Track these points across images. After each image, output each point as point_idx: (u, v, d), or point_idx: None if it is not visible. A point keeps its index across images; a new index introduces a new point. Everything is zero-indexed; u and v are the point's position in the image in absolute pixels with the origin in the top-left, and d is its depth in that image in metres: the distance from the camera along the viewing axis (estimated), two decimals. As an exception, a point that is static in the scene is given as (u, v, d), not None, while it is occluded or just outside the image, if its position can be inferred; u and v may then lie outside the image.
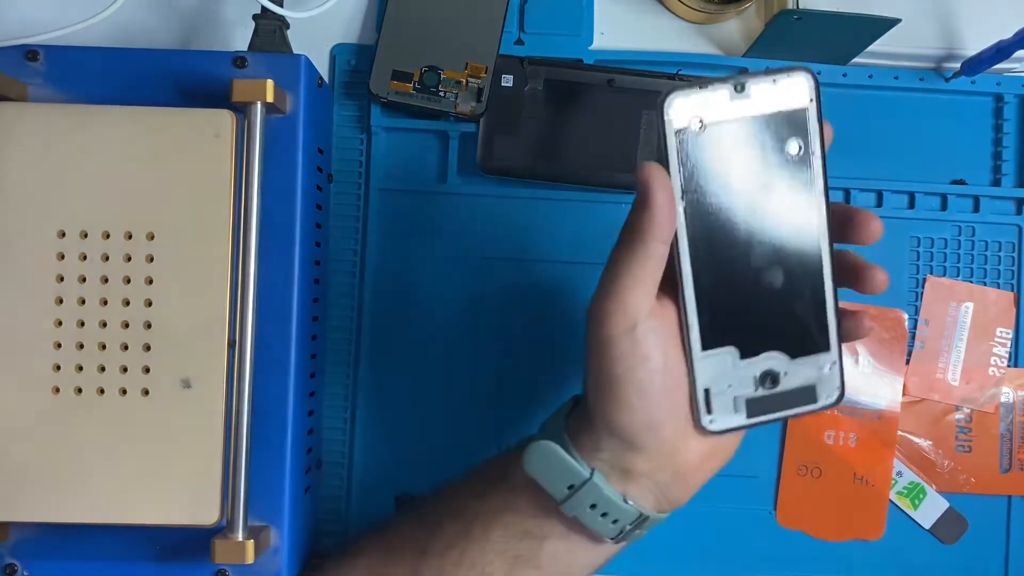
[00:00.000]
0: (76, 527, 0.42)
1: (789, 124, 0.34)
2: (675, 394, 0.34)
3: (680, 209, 0.33)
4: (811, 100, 0.34)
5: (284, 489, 0.42)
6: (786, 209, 0.34)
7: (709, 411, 0.35)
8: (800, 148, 0.34)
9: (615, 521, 0.35)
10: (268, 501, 0.42)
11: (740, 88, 0.33)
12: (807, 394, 0.36)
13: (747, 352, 0.35)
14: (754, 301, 0.35)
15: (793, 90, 0.33)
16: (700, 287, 0.34)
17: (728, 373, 0.35)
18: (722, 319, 0.35)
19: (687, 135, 0.33)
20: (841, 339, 0.35)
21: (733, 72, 0.33)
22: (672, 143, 0.33)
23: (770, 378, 0.35)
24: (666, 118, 0.33)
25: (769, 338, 0.35)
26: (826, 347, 0.35)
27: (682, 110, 0.33)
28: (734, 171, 0.34)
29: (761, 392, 0.35)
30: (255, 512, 0.42)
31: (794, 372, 0.35)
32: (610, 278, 0.34)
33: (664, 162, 0.33)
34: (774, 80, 0.33)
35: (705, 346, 0.35)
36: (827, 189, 0.34)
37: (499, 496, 0.38)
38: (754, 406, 0.35)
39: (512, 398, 0.51)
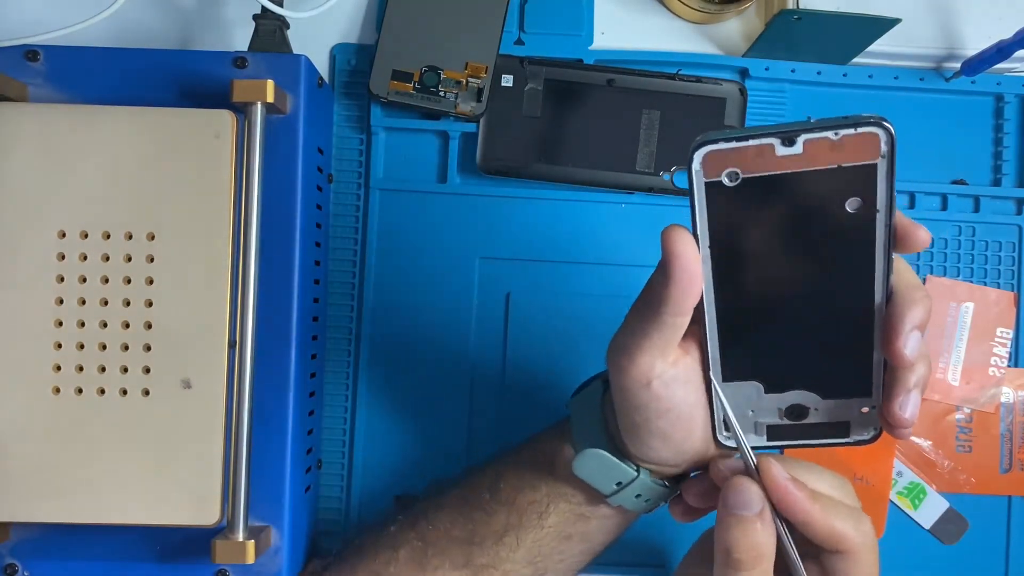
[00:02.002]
0: (76, 527, 0.42)
1: (850, 179, 0.29)
2: (701, 431, 0.35)
3: (707, 261, 0.30)
4: (883, 156, 0.29)
5: (284, 489, 0.42)
6: (837, 266, 0.30)
7: (727, 430, 0.34)
8: (860, 204, 0.29)
9: (650, 501, 0.38)
10: (268, 501, 0.42)
11: (789, 142, 0.28)
12: (838, 429, 0.34)
13: (773, 388, 0.33)
14: (786, 347, 0.32)
15: (859, 144, 0.28)
16: (726, 331, 0.32)
17: (751, 402, 0.33)
18: (748, 359, 0.33)
19: (720, 187, 0.29)
20: (883, 386, 0.32)
21: (732, 131, 0.29)
22: (700, 195, 0.29)
23: (796, 412, 0.33)
24: (695, 168, 0.29)
25: (799, 380, 0.33)
26: (866, 393, 0.33)
27: (714, 162, 0.29)
28: (776, 224, 0.30)
29: (786, 421, 0.34)
30: (255, 512, 0.42)
31: (826, 409, 0.33)
32: (626, 335, 0.33)
33: (692, 209, 0.30)
34: (835, 133, 0.28)
35: (727, 378, 0.33)
36: (890, 249, 0.30)
37: (550, 487, 0.40)
38: (776, 432, 0.34)
39: (512, 398, 0.50)
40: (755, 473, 0.32)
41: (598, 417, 0.38)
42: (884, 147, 0.29)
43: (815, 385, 0.33)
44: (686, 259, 0.30)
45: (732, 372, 0.33)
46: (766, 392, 0.33)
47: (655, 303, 0.31)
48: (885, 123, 0.28)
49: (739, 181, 0.29)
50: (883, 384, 0.32)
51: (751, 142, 0.28)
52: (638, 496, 0.38)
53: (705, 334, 0.32)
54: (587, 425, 0.39)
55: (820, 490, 0.33)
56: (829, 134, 0.28)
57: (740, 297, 0.31)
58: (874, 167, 0.29)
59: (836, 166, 0.29)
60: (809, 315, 0.31)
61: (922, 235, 0.31)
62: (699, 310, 0.32)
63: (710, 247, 0.30)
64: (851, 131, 0.28)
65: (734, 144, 0.28)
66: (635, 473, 0.37)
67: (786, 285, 0.31)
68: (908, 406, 0.31)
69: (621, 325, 0.34)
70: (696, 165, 0.29)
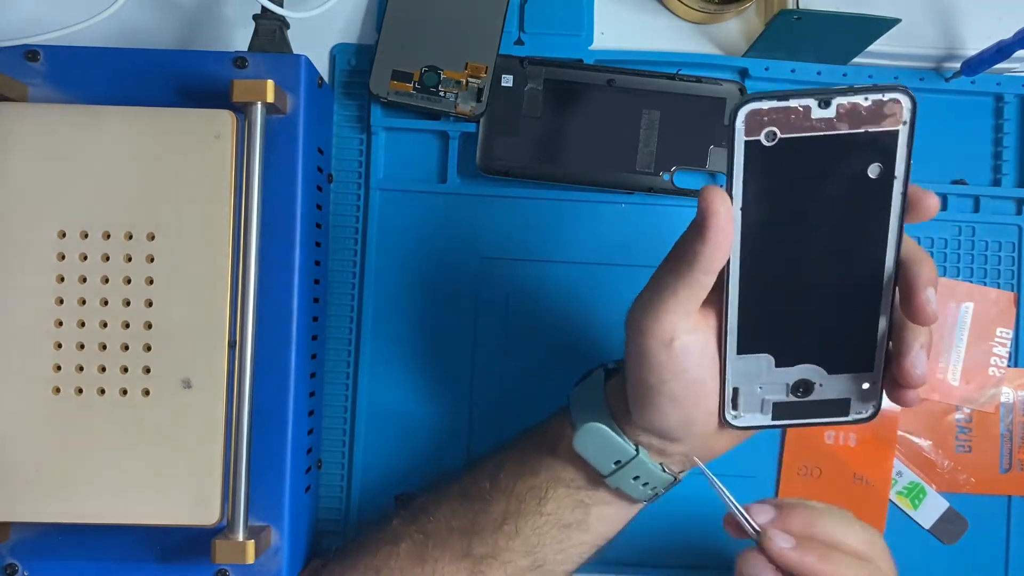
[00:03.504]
0: (76, 527, 0.42)
1: (873, 145, 0.31)
2: (710, 398, 0.35)
3: (736, 223, 0.32)
4: (904, 123, 0.31)
5: (284, 489, 0.42)
6: (853, 233, 0.32)
7: (735, 407, 0.35)
8: (881, 171, 0.31)
9: (651, 487, 0.39)
10: (268, 501, 0.42)
11: (824, 104, 0.31)
12: (839, 406, 0.35)
13: (783, 361, 0.35)
14: (799, 317, 0.34)
15: (885, 110, 0.31)
16: (745, 297, 0.34)
17: (760, 376, 0.35)
18: (763, 329, 0.34)
19: (758, 146, 0.31)
20: (885, 362, 0.34)
21: (772, 92, 0.31)
22: (739, 152, 0.31)
23: (803, 387, 0.35)
24: (737, 126, 0.31)
25: (808, 352, 0.34)
26: (868, 368, 0.35)
27: (756, 120, 0.31)
28: (803, 188, 0.32)
29: (792, 399, 0.35)
30: (255, 512, 0.42)
31: (829, 385, 0.35)
32: (653, 293, 0.34)
33: (729, 168, 0.32)
34: (865, 98, 0.31)
35: (740, 351, 0.34)
36: (903, 217, 0.32)
37: (549, 472, 0.40)
38: (781, 410, 0.35)
39: (512, 397, 0.51)
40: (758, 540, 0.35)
41: (600, 397, 0.39)
42: (907, 114, 0.31)
43: (822, 358, 0.34)
44: (722, 217, 0.31)
45: (746, 344, 0.34)
46: (776, 366, 0.35)
47: (687, 260, 0.32)
48: (909, 91, 0.30)
49: (775, 141, 0.31)
50: (885, 357, 0.34)
51: (791, 102, 0.31)
52: (636, 478, 0.38)
53: (725, 303, 0.34)
54: (588, 405, 0.39)
55: (845, 543, 0.35)
56: (860, 98, 0.31)
57: (762, 263, 0.33)
58: (896, 134, 0.31)
59: (863, 130, 0.31)
60: (824, 283, 0.33)
61: (931, 201, 0.32)
62: (721, 277, 0.33)
63: (741, 208, 0.32)
64: (880, 96, 0.30)
65: (776, 103, 0.31)
66: (634, 451, 0.37)
67: (806, 250, 0.33)
68: (919, 363, 0.33)
69: (644, 288, 0.35)
70: (739, 122, 0.31)
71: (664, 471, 0.38)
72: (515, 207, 0.51)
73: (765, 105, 0.31)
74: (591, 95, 0.50)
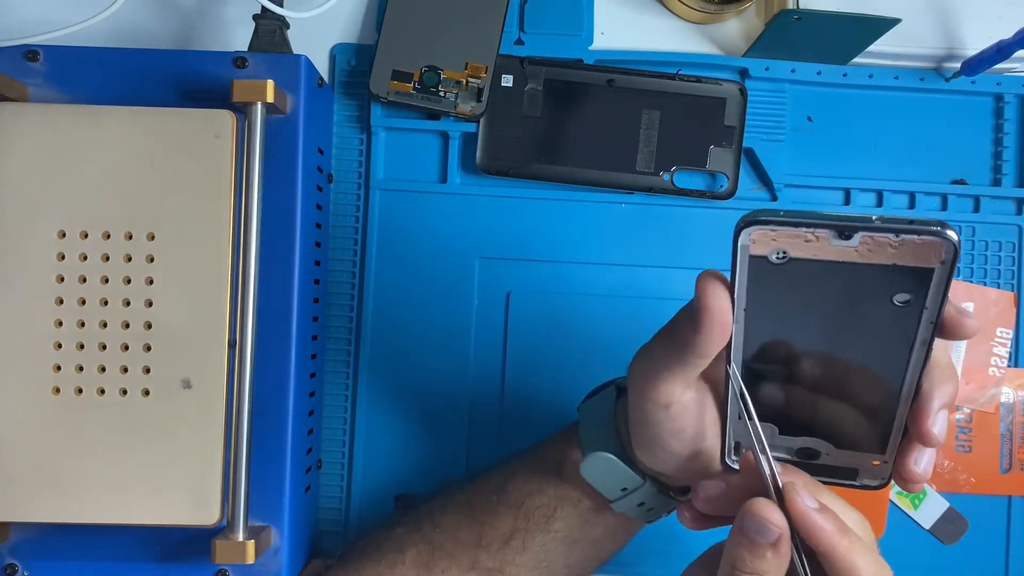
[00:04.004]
0: (76, 527, 0.42)
1: (902, 277, 0.28)
2: (710, 444, 0.35)
3: (740, 321, 0.30)
4: (942, 263, 0.27)
5: (284, 489, 0.42)
6: (872, 348, 0.30)
7: (736, 454, 0.34)
8: (909, 300, 0.28)
9: (656, 511, 0.39)
10: (268, 501, 0.42)
11: (846, 236, 0.27)
12: (847, 473, 0.33)
13: (787, 431, 0.33)
14: (806, 404, 0.32)
15: (919, 248, 0.27)
16: (748, 375, 0.32)
17: (762, 440, 0.33)
18: (766, 406, 0.32)
19: (765, 262, 0.28)
20: (897, 447, 0.32)
21: (783, 213, 0.28)
22: (743, 268, 0.29)
23: (807, 454, 0.33)
24: (740, 243, 0.28)
25: (814, 428, 0.32)
26: (880, 451, 0.32)
27: (763, 240, 0.28)
28: (814, 305, 0.29)
29: (796, 459, 0.33)
30: (255, 512, 0.42)
31: (836, 457, 0.33)
32: (650, 360, 0.33)
33: (732, 273, 0.29)
34: (896, 236, 0.27)
35: (741, 417, 0.32)
36: (933, 340, 0.29)
37: (557, 491, 0.41)
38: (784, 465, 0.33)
39: (512, 397, 0.50)
40: (776, 496, 0.31)
41: (609, 422, 0.39)
42: (945, 255, 0.27)
43: (830, 436, 0.32)
44: (718, 312, 0.30)
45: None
46: (780, 433, 0.33)
47: (681, 344, 0.31)
48: (949, 232, 0.26)
49: (786, 260, 0.28)
50: (899, 445, 0.32)
51: (804, 230, 0.27)
52: (641, 504, 0.38)
53: (727, 373, 0.32)
54: (597, 430, 0.39)
55: (848, 523, 0.31)
56: (890, 236, 0.27)
57: (768, 356, 0.31)
58: (931, 271, 0.28)
59: (891, 264, 0.28)
60: (835, 382, 0.31)
61: (970, 324, 0.30)
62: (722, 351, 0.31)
63: (745, 310, 0.30)
64: (913, 237, 0.27)
65: (788, 229, 0.27)
66: (641, 481, 0.37)
67: (817, 355, 0.31)
68: (923, 462, 0.32)
69: (644, 347, 0.35)
70: (744, 240, 0.28)
71: (670, 495, 0.38)
72: (515, 207, 0.51)
73: (773, 229, 0.28)
74: (591, 95, 0.50)
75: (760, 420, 0.32)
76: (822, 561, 0.30)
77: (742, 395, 0.31)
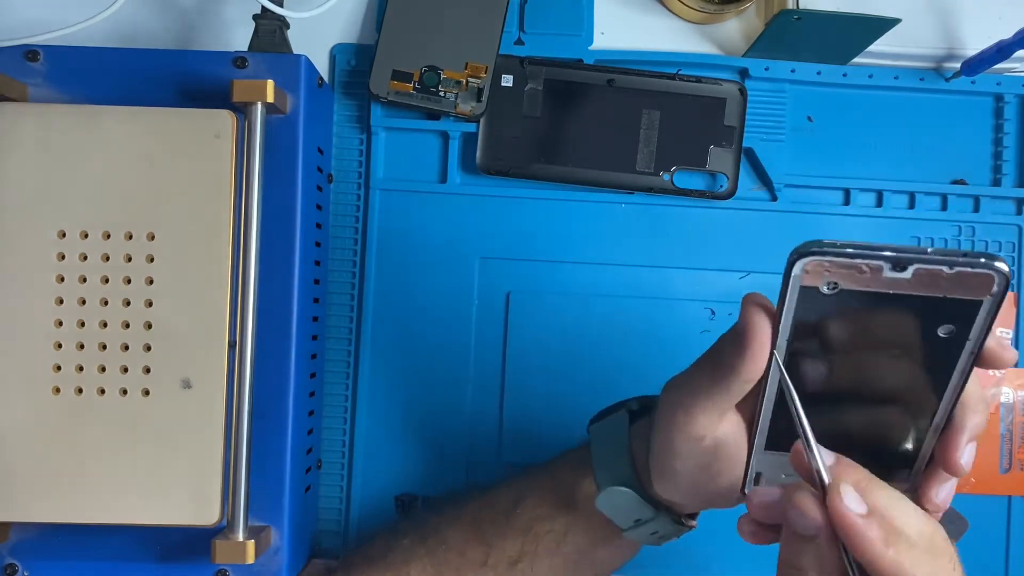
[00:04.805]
0: (76, 527, 0.42)
1: (950, 309, 0.28)
2: (732, 478, 0.35)
3: (782, 349, 0.31)
4: (992, 295, 0.28)
5: (284, 489, 0.42)
6: (909, 378, 0.30)
7: (756, 483, 0.34)
8: (953, 332, 0.29)
9: (664, 537, 0.39)
10: (268, 501, 0.42)
11: (900, 268, 0.28)
12: None
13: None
14: (834, 433, 0.31)
15: (970, 280, 0.27)
16: (780, 408, 0.32)
17: (784, 470, 0.33)
18: (794, 434, 0.31)
19: (815, 292, 0.29)
20: (922, 474, 0.32)
21: (839, 245, 0.28)
22: (792, 297, 0.29)
23: None
24: (794, 273, 0.29)
25: (843, 452, 0.32)
26: (904, 478, 0.33)
27: (817, 272, 0.28)
28: (859, 334, 0.30)
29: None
30: (255, 512, 0.42)
31: None
32: (688, 391, 0.34)
33: (780, 302, 0.30)
34: (950, 268, 0.27)
35: (768, 447, 0.33)
36: (970, 370, 0.30)
37: (568, 517, 0.41)
38: None
39: (512, 397, 0.50)
40: (822, 491, 0.30)
41: (624, 449, 0.39)
42: (996, 288, 0.28)
43: (857, 459, 0.32)
44: (763, 337, 0.30)
45: (774, 443, 0.33)
46: None
47: (724, 367, 0.31)
48: (1000, 264, 0.27)
49: (836, 291, 0.29)
50: (923, 472, 0.32)
51: (860, 261, 0.28)
52: (653, 533, 0.39)
53: (759, 403, 0.32)
54: (612, 457, 0.39)
55: (906, 529, 0.28)
56: (944, 268, 0.28)
57: (806, 385, 0.31)
58: (979, 304, 0.28)
59: (942, 296, 0.28)
60: (869, 412, 0.31)
61: (1008, 356, 0.30)
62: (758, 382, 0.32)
63: (789, 339, 0.30)
64: (967, 270, 0.27)
65: (843, 260, 0.28)
66: (655, 513, 0.38)
67: (854, 384, 0.31)
68: (944, 492, 0.32)
69: (678, 378, 0.35)
70: (797, 271, 0.29)
71: (681, 523, 0.39)
72: (515, 207, 0.51)
73: (828, 260, 0.28)
74: (591, 95, 0.50)
75: (785, 451, 0.31)
76: (867, 570, 0.27)
77: (785, 383, 0.31)
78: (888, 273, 0.28)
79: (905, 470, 0.32)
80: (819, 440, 0.31)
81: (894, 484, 0.31)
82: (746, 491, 0.34)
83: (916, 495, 0.32)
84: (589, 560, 0.41)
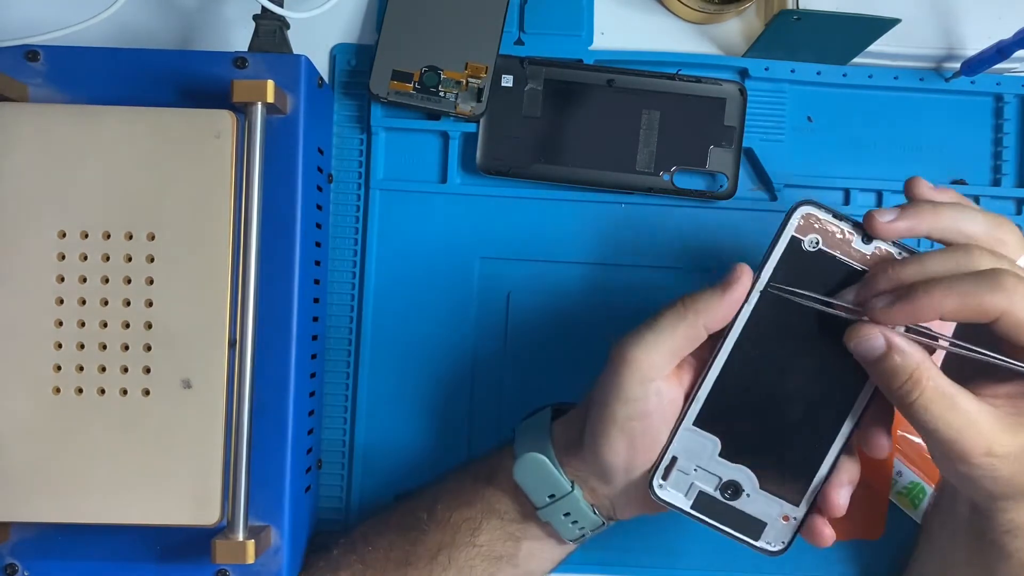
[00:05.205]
0: (76, 527, 0.42)
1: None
2: (646, 465, 0.37)
3: (751, 303, 0.35)
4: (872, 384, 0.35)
5: (284, 489, 0.42)
6: (836, 368, 0.35)
7: (665, 477, 0.37)
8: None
9: (580, 527, 0.40)
10: (268, 501, 0.42)
11: (867, 240, 0.35)
12: (753, 527, 0.36)
13: (727, 453, 0.36)
14: (760, 418, 0.36)
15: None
16: (724, 377, 0.36)
17: (701, 457, 0.36)
18: (725, 413, 0.36)
19: (798, 245, 0.35)
20: (814, 506, 0.36)
21: (835, 211, 0.36)
22: (783, 241, 0.35)
23: (732, 490, 0.36)
24: (792, 220, 0.35)
25: (752, 454, 0.36)
26: (795, 501, 0.36)
27: (809, 224, 0.35)
28: (817, 301, 0.34)
29: (717, 496, 0.36)
30: (255, 512, 0.42)
31: (755, 499, 0.36)
32: (649, 330, 0.36)
33: (768, 252, 0.35)
34: (899, 252, 0.35)
35: (696, 422, 0.36)
36: (849, 439, 0.36)
37: (484, 503, 0.42)
38: (703, 502, 0.37)
39: (512, 397, 0.50)
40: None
41: (545, 432, 0.40)
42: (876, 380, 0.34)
43: (761, 467, 0.36)
44: (741, 287, 0.35)
45: (703, 419, 0.36)
46: (719, 455, 0.36)
47: (693, 310, 0.35)
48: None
49: (815, 249, 0.35)
50: (815, 498, 0.36)
51: (842, 224, 0.35)
52: (567, 515, 0.40)
53: (704, 374, 0.36)
54: (532, 438, 0.41)
55: (967, 229, 0.34)
56: (895, 250, 0.35)
57: (753, 353, 0.36)
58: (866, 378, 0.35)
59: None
60: (796, 400, 0.36)
61: (879, 447, 0.36)
62: (709, 351, 0.36)
63: (761, 291, 0.35)
64: (907, 255, 0.34)
65: (829, 218, 0.35)
66: (569, 487, 0.39)
67: (793, 361, 0.35)
68: (843, 497, 0.36)
69: (640, 326, 0.37)
70: (795, 217, 0.35)
71: (595, 513, 0.40)
72: (515, 207, 0.51)
73: (821, 215, 0.35)
74: (591, 95, 0.50)
75: (709, 431, 0.36)
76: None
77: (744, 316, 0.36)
78: (856, 244, 0.35)
79: (795, 498, 0.36)
80: (735, 438, 0.36)
81: (783, 514, 0.36)
82: (654, 484, 0.37)
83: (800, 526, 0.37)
84: (508, 556, 0.42)
